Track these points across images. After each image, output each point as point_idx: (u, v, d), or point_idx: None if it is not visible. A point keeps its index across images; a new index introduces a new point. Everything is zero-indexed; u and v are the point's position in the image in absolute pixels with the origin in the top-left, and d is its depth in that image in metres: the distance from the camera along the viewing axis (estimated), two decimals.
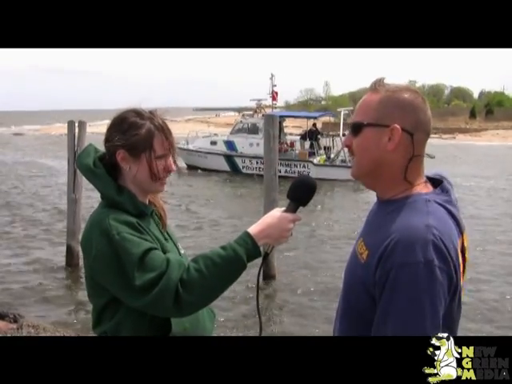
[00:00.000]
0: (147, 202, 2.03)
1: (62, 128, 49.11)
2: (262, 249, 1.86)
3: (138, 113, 1.95)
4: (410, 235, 1.46)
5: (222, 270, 1.76)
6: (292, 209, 1.89)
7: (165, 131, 1.95)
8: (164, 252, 1.87)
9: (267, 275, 9.53)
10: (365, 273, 1.55)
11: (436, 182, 1.68)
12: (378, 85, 1.65)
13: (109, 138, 1.96)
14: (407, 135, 1.58)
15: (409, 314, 1.43)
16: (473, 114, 71.44)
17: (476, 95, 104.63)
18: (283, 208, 1.91)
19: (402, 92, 1.62)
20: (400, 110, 1.59)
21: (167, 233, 2.10)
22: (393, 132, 1.58)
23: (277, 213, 1.89)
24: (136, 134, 1.91)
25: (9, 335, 6.46)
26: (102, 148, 2.02)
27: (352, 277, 1.64)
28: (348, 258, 1.75)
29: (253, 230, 1.85)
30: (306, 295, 9.54)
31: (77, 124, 10.26)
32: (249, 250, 1.80)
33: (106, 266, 1.79)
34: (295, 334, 7.59)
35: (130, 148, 1.91)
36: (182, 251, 2.13)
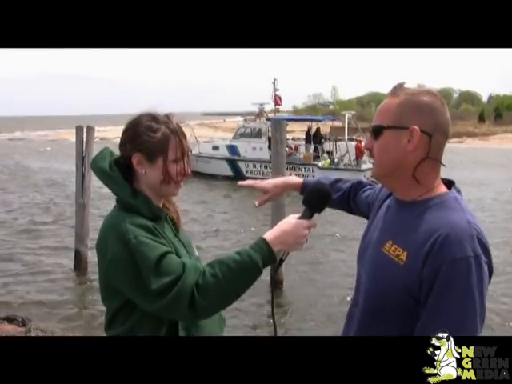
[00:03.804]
0: (161, 206, 2.04)
1: (67, 134, 49.43)
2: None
3: (153, 117, 1.96)
4: (457, 231, 1.51)
5: (237, 275, 1.76)
6: (307, 215, 1.90)
7: (180, 135, 1.96)
8: (178, 256, 1.87)
9: (276, 281, 9.47)
10: (406, 274, 1.57)
11: (446, 184, 1.74)
12: (398, 89, 1.70)
13: (124, 141, 1.97)
14: (426, 136, 1.63)
15: (465, 306, 1.47)
16: (481, 118, 71.18)
17: (485, 99, 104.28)
18: (298, 214, 1.91)
19: (420, 95, 1.66)
20: (419, 112, 1.64)
21: (182, 236, 2.10)
22: (412, 133, 1.63)
23: (292, 219, 1.89)
24: (151, 138, 1.91)
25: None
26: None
27: (386, 281, 1.64)
28: (368, 264, 1.77)
29: (268, 236, 1.85)
30: (314, 298, 9.54)
31: (85, 129, 10.31)
32: (264, 256, 1.80)
33: (122, 269, 1.79)
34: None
35: (145, 152, 1.92)
36: (197, 253, 2.14)
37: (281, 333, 7.75)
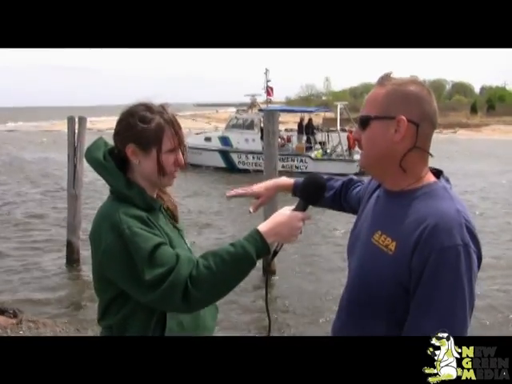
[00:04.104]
0: (155, 197, 2.02)
1: (59, 125, 49.19)
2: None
3: (147, 107, 1.94)
4: (446, 220, 1.51)
5: (231, 267, 1.76)
6: (302, 207, 1.89)
7: (175, 125, 1.95)
8: (172, 247, 1.86)
9: (267, 270, 9.43)
10: (395, 263, 1.57)
11: (435, 173, 1.74)
12: (384, 79, 1.69)
13: (118, 131, 1.96)
14: (413, 126, 1.63)
15: (454, 294, 1.47)
16: (474, 110, 71.42)
17: (477, 90, 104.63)
18: (293, 206, 1.91)
19: (407, 84, 1.66)
20: (405, 102, 1.64)
21: (176, 227, 2.09)
22: (399, 123, 1.63)
23: (287, 211, 1.89)
24: (146, 128, 1.90)
25: (9, 331, 6.48)
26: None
27: (376, 271, 1.64)
28: (358, 255, 1.77)
29: (263, 227, 1.84)
30: (307, 290, 9.55)
31: (77, 120, 10.25)
32: (258, 247, 1.79)
33: (115, 260, 1.79)
34: (297, 328, 7.60)
35: (139, 142, 1.91)
36: (190, 243, 2.13)
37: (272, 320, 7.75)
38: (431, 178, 1.69)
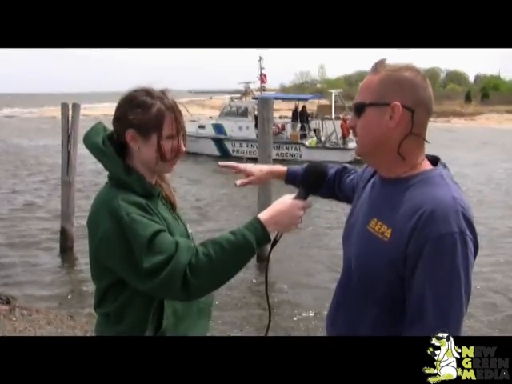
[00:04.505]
0: (154, 183, 2.00)
1: (53, 111, 48.85)
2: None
3: (148, 92, 1.91)
4: (442, 207, 1.50)
5: (230, 255, 1.74)
6: (303, 196, 1.87)
7: (175, 111, 1.92)
8: (171, 234, 1.84)
9: (260, 257, 9.31)
10: (391, 250, 1.57)
11: (431, 161, 1.73)
12: (378, 66, 1.68)
13: (118, 117, 1.93)
14: (408, 112, 1.62)
15: (450, 281, 1.47)
16: (468, 98, 71.49)
17: (472, 79, 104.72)
18: (294, 194, 1.89)
19: (401, 71, 1.65)
20: (400, 88, 1.62)
21: (176, 214, 2.07)
22: (393, 110, 1.62)
23: (287, 199, 1.87)
24: (146, 114, 1.87)
25: (1, 317, 6.47)
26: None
27: (372, 258, 1.64)
28: (353, 242, 1.77)
29: (263, 216, 1.83)
30: (301, 276, 9.57)
31: (70, 106, 10.18)
32: (258, 235, 1.78)
33: (113, 247, 1.76)
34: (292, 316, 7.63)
35: (139, 128, 1.87)
36: (190, 231, 2.11)
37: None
38: (427, 165, 1.68)
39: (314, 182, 1.92)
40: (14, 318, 6.60)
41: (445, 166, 1.70)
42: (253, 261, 1.80)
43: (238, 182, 2.24)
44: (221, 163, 2.31)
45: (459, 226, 1.48)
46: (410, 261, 1.52)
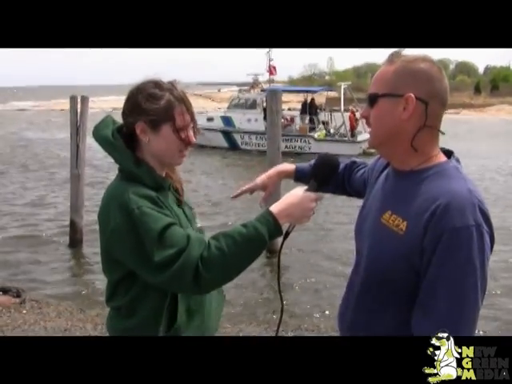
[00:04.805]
0: (164, 176, 1.99)
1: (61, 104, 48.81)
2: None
3: (157, 84, 1.90)
4: (458, 200, 1.49)
5: (242, 248, 1.74)
6: (314, 188, 1.87)
7: (185, 102, 1.91)
8: (182, 227, 1.84)
9: (271, 250, 9.26)
10: (406, 244, 1.55)
11: (445, 153, 1.71)
12: (394, 56, 1.66)
13: (127, 109, 1.92)
14: (422, 104, 1.60)
15: (466, 275, 1.46)
16: (477, 90, 70.88)
17: (481, 70, 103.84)
18: (305, 187, 1.89)
19: (417, 62, 1.62)
20: (414, 79, 1.61)
21: (185, 207, 2.07)
22: (407, 101, 1.60)
23: (299, 192, 1.86)
24: (155, 106, 1.86)
25: (12, 310, 6.53)
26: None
27: (386, 252, 1.63)
28: (367, 236, 1.75)
29: (275, 208, 1.82)
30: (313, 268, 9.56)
31: (79, 99, 10.19)
32: (270, 228, 1.77)
33: (124, 240, 1.76)
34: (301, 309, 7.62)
35: (149, 120, 1.87)
36: (199, 225, 2.11)
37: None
38: (442, 157, 1.67)
39: (326, 173, 1.91)
40: (24, 311, 6.65)
41: (457, 161, 1.68)
42: (263, 254, 1.82)
43: (262, 203, 2.23)
44: (233, 195, 2.29)
45: (475, 219, 1.47)
46: (426, 254, 1.50)
